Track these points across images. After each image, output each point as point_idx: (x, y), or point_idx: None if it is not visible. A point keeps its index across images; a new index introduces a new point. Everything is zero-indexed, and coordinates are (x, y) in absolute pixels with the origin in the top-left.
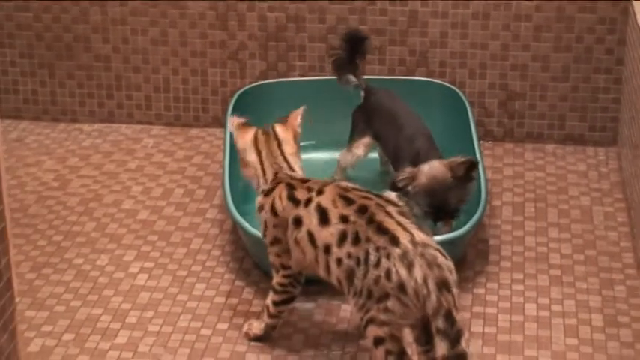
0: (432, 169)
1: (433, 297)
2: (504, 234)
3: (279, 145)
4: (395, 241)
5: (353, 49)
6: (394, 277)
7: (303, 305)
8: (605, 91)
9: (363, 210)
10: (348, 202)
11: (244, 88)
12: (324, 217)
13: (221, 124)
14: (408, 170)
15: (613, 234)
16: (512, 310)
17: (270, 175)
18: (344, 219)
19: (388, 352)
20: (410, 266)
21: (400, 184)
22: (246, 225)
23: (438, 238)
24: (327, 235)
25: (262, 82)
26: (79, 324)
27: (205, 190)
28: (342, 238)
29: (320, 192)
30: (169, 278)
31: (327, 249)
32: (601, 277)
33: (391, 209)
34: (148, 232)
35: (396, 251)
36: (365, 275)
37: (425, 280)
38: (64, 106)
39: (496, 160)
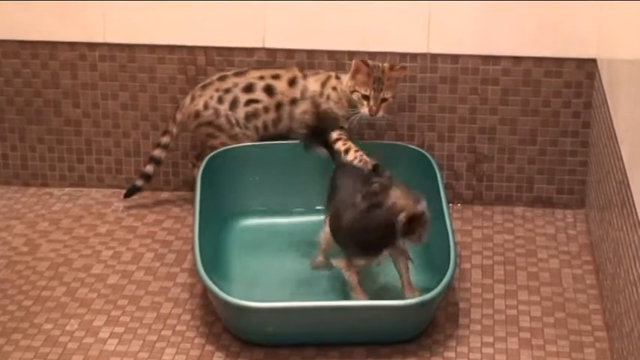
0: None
1: None
2: (474, 297)
3: None
4: None
5: (319, 128)
6: None
7: None
8: (573, 154)
9: None
10: None
11: (215, 152)
12: None
13: (191, 187)
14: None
15: (582, 296)
16: None
17: None
18: None
19: None
20: None
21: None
22: (216, 289)
23: (408, 302)
24: None
25: (232, 145)
26: None
27: (175, 254)
28: None
29: None
30: (139, 343)
31: None
32: (571, 339)
33: None
34: (118, 296)
35: None
36: None
37: None
38: (35, 170)
39: (465, 223)
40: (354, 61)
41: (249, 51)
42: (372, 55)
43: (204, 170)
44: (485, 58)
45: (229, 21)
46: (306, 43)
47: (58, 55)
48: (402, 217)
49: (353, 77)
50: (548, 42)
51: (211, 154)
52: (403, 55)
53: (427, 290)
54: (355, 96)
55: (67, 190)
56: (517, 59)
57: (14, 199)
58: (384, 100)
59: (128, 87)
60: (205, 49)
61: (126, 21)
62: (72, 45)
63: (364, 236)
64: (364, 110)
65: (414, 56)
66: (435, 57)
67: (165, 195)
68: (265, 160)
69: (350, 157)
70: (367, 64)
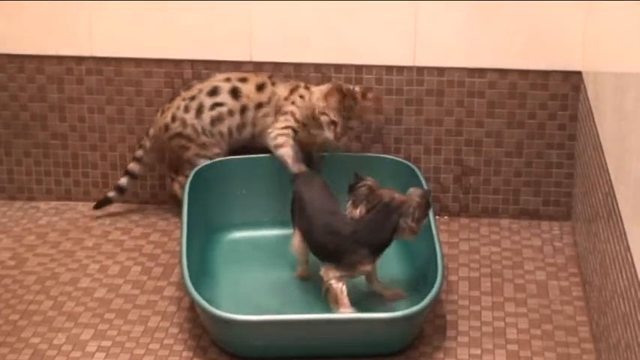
0: None
1: None
2: (461, 309)
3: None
4: None
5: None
6: None
7: None
8: (559, 166)
9: None
10: None
11: (201, 165)
12: None
13: (175, 200)
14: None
15: (569, 308)
16: None
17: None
18: None
19: None
20: None
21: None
22: (203, 302)
23: (395, 314)
24: None
25: (220, 159)
26: None
27: (162, 268)
28: None
29: None
30: (127, 357)
31: None
32: (558, 351)
33: None
34: (105, 310)
35: None
36: None
37: None
38: (21, 184)
39: (452, 235)
40: (329, 85)
41: (236, 64)
42: (359, 68)
43: (191, 183)
44: (471, 71)
45: (216, 34)
46: (293, 56)
47: (45, 68)
48: (416, 196)
49: (325, 99)
50: (534, 55)
51: (198, 167)
52: (389, 68)
53: (414, 303)
54: (324, 118)
55: (53, 203)
56: (503, 72)
57: (0, 212)
58: (351, 128)
59: (114, 100)
60: (192, 63)
61: (113, 34)
62: (59, 59)
63: (375, 237)
64: (329, 134)
65: (400, 69)
66: (421, 70)
67: (151, 208)
68: (252, 173)
69: (281, 152)
70: (342, 91)
